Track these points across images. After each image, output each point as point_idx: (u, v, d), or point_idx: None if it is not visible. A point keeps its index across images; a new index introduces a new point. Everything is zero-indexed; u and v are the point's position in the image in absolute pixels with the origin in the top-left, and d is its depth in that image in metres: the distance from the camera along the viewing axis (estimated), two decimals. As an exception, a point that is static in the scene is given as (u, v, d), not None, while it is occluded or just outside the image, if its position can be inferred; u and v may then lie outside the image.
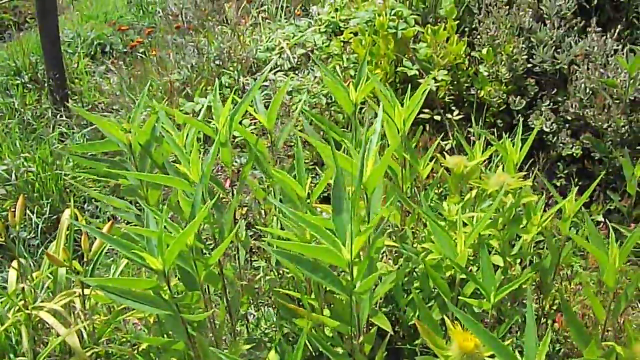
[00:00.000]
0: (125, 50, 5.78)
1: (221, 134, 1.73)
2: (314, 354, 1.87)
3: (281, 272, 2.09)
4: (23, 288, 2.07)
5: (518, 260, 1.96)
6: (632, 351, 1.39)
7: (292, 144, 3.29)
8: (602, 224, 2.95)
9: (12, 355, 2.10)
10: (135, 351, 1.92)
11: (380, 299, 1.99)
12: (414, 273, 1.96)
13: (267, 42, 4.43)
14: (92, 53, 5.88)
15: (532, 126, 3.17)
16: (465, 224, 1.75)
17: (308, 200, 1.65)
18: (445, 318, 1.29)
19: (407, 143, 1.84)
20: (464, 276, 1.61)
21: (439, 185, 2.70)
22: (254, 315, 2.29)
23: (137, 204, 1.86)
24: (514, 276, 1.87)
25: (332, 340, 1.66)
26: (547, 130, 3.21)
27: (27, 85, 4.96)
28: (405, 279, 1.93)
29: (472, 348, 1.28)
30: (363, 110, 3.17)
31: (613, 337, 1.86)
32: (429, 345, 1.36)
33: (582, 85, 3.10)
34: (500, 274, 1.86)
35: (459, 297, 1.61)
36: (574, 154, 3.14)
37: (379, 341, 1.66)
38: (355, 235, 1.33)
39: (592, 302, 1.53)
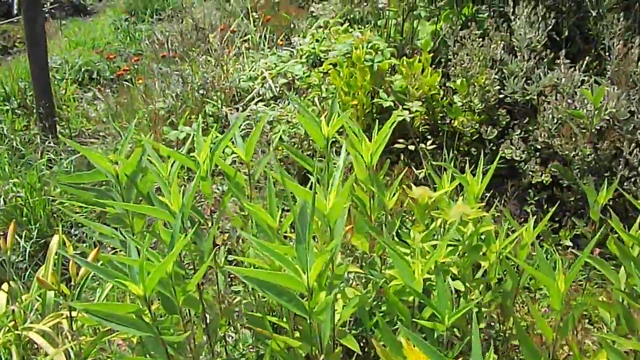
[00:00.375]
0: (112, 77, 5.87)
1: (202, 169, 1.85)
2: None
3: (257, 296, 2.19)
4: (13, 310, 2.17)
5: (481, 286, 2.07)
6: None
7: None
8: (570, 248, 3.07)
9: (1, 375, 2.19)
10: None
11: (351, 321, 2.11)
12: (383, 297, 2.07)
13: (249, 71, 4.52)
14: (80, 79, 5.94)
15: (503, 155, 3.29)
16: (428, 252, 1.87)
17: (280, 231, 1.77)
18: (402, 339, 1.40)
19: (374, 175, 1.96)
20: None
21: (412, 213, 2.81)
22: (233, 337, 2.39)
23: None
24: (473, 300, 1.98)
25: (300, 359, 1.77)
26: (518, 158, 3.31)
27: (16, 111, 5.02)
28: (374, 302, 2.05)
29: (423, 367, 1.39)
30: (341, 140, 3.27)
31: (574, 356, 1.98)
32: (389, 365, 1.48)
33: (550, 116, 3.19)
34: (463, 299, 1.98)
35: (416, 320, 1.73)
36: (544, 182, 3.24)
37: (348, 360, 1.77)
38: (312, 262, 1.46)
39: (539, 324, 1.65)
